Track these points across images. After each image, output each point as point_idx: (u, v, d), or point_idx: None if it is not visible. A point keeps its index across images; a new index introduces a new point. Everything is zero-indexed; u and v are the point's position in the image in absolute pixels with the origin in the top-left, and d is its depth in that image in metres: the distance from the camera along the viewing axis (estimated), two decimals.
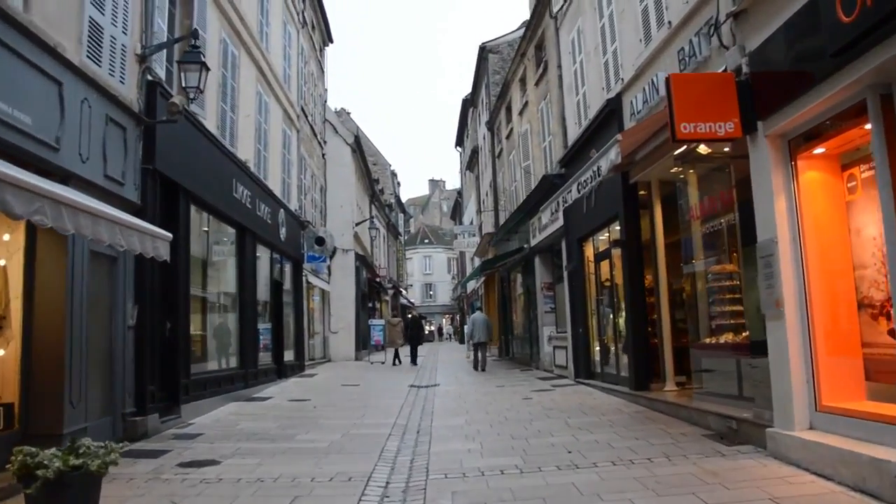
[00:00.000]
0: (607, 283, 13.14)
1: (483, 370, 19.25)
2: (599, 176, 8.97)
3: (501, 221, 24.43)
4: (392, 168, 57.35)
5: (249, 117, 15.22)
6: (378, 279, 37.45)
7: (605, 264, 13.06)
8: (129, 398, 8.72)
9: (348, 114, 42.81)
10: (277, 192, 17.56)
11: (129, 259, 8.79)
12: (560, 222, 15.38)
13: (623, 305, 12.15)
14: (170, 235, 7.73)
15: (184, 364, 10.38)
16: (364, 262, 30.88)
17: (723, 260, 9.24)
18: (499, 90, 25.08)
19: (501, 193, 24.99)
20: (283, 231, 17.58)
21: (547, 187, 15.96)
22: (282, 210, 17.64)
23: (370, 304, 35.22)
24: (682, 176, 9.65)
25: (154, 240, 7.10)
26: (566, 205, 11.27)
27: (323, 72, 27.91)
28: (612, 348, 12.92)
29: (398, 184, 60.26)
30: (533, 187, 18.17)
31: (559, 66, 15.53)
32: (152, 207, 9.35)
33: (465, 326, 23.05)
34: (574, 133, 14.38)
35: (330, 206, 27.60)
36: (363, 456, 7.37)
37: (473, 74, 32.00)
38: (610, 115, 11.77)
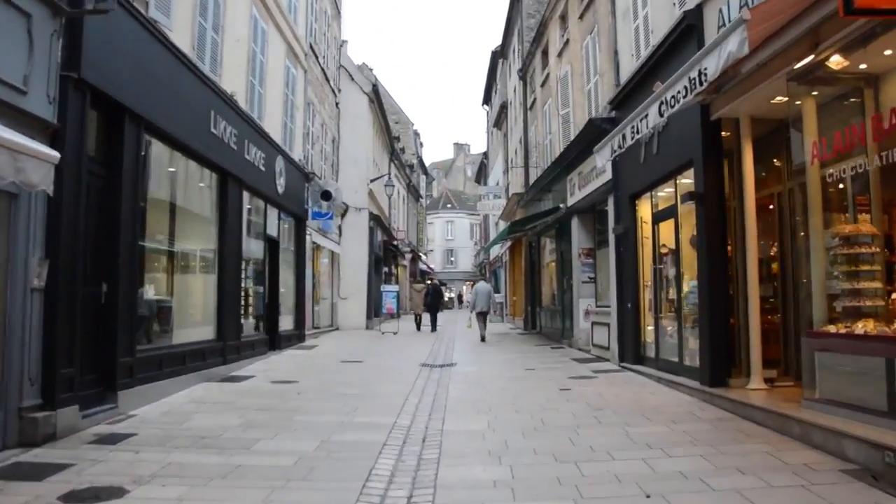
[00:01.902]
0: (665, 250, 10.62)
1: (483, 340, 19.02)
2: (685, 98, 6.44)
3: (532, 180, 21.84)
4: (415, 127, 54.68)
5: (240, 43, 12.76)
6: (395, 242, 35.04)
7: (666, 225, 10.51)
8: (32, 386, 6.38)
9: (370, 69, 40.03)
10: (276, 136, 15.13)
11: (39, 198, 6.42)
12: (607, 176, 12.81)
13: (689, 277, 9.65)
14: (52, 154, 5.28)
15: (126, 338, 8.02)
16: (379, 222, 28.46)
17: (848, 220, 6.73)
18: (533, 35, 22.35)
19: (533, 149, 22.35)
20: (280, 181, 15.16)
21: (593, 135, 13.33)
22: (280, 157, 15.20)
23: (385, 269, 32.86)
24: (796, 103, 7.03)
25: (15, 156, 4.64)
26: (619, 152, 8.75)
27: (339, 12, 25.29)
28: (671, 329, 10.43)
29: (421, 144, 57.57)
30: (573, 137, 15.57)
31: None
32: (77, 129, 6.94)
33: (468, 295, 22.21)
34: (630, 68, 11.75)
35: (343, 160, 25.14)
36: (337, 489, 5.00)
37: (504, 22, 29.20)
38: (685, 34, 9.15)
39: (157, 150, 9.56)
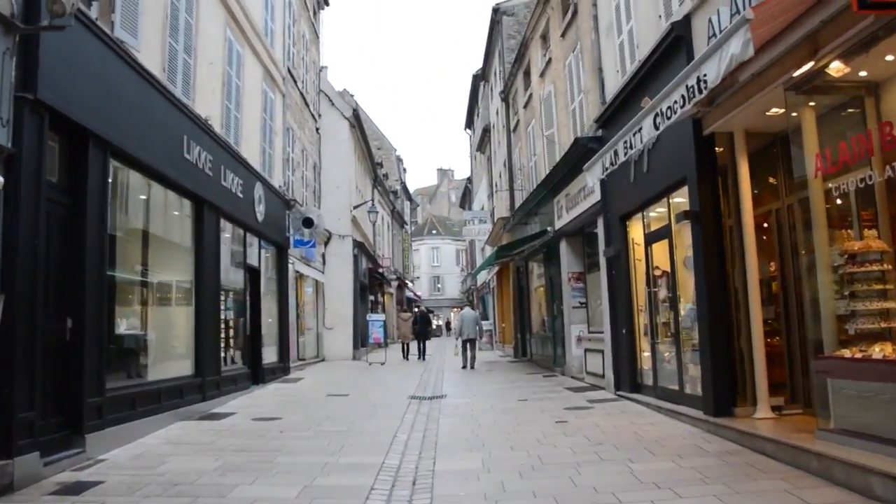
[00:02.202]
0: (659, 272, 10.25)
1: (472, 368, 18.98)
2: (682, 108, 6.10)
3: (518, 204, 21.50)
4: (397, 153, 54.43)
5: (214, 66, 12.38)
6: (381, 270, 34.57)
7: (660, 246, 10.14)
8: None
9: (351, 95, 39.80)
10: (255, 163, 14.71)
11: None
12: (595, 197, 12.46)
13: (685, 299, 9.27)
14: None
15: (95, 376, 7.52)
16: (363, 249, 28.00)
17: (853, 236, 6.40)
18: (514, 55, 22.15)
19: (518, 172, 22.05)
20: (260, 209, 14.71)
21: (578, 155, 13.04)
22: (259, 184, 14.77)
23: (371, 297, 32.35)
24: (794, 115, 6.71)
25: None
26: (610, 169, 8.41)
27: (318, 37, 25.03)
28: (669, 355, 10.04)
29: (404, 170, 57.32)
30: (559, 158, 15.25)
31: (594, 5, 12.57)
32: (35, 154, 6.48)
33: (454, 322, 22.05)
34: (615, 85, 11.46)
35: (325, 186, 24.72)
36: None
37: (485, 44, 29.07)
38: (673, 47, 8.85)
39: (127, 177, 9.14)
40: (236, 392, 12.60)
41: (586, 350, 13.78)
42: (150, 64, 9.25)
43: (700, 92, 5.76)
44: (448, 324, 63.84)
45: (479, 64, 33.46)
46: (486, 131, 31.07)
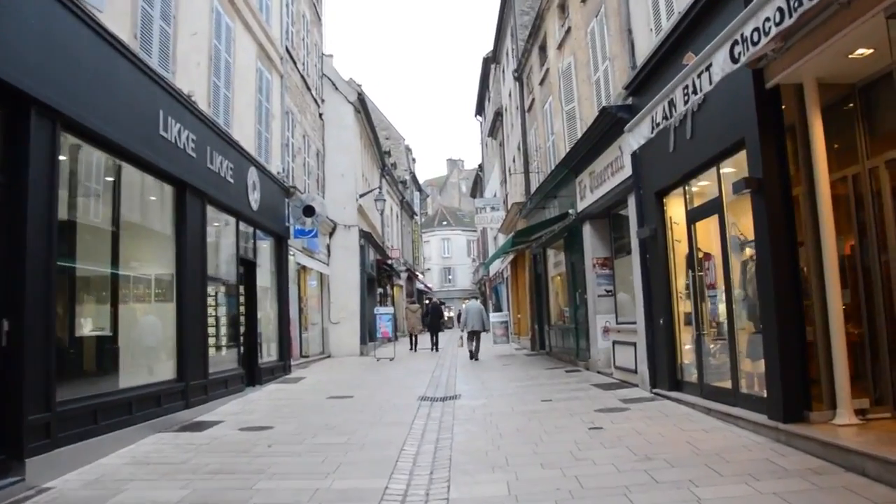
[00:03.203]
0: (704, 253, 8.93)
1: (477, 359, 18.97)
2: (781, 23, 4.78)
3: (534, 188, 20.16)
4: (406, 143, 53.09)
5: (199, 38, 11.14)
6: (389, 261, 33.27)
7: (705, 224, 8.81)
8: None
9: (358, 85, 38.39)
10: (249, 146, 13.46)
11: None
12: (626, 172, 11.13)
13: (740, 283, 7.95)
14: None
15: (40, 388, 6.26)
16: (371, 240, 26.70)
17: None
18: (528, 31, 20.78)
19: (534, 153, 20.69)
20: (254, 196, 13.45)
21: (605, 126, 11.72)
22: (254, 169, 13.51)
23: (380, 290, 31.08)
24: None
25: None
26: (664, 124, 7.10)
27: (319, 19, 23.73)
28: (716, 348, 8.73)
29: (413, 160, 55.97)
30: (580, 134, 13.92)
31: None
32: None
33: (460, 315, 21.25)
34: (648, 45, 10.12)
35: (329, 175, 23.45)
36: None
37: (496, 24, 27.69)
38: None
39: (90, 155, 7.88)
40: (228, 396, 11.38)
41: (615, 342, 12.45)
42: (117, 28, 8.00)
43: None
44: (459, 315, 62.52)
45: (489, 47, 32.12)
46: (498, 115, 29.72)
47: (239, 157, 12.60)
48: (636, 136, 7.71)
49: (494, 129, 32.04)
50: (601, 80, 13.10)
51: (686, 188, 9.27)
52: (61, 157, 6.93)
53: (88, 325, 8.06)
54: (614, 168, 11.70)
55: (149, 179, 9.33)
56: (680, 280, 9.80)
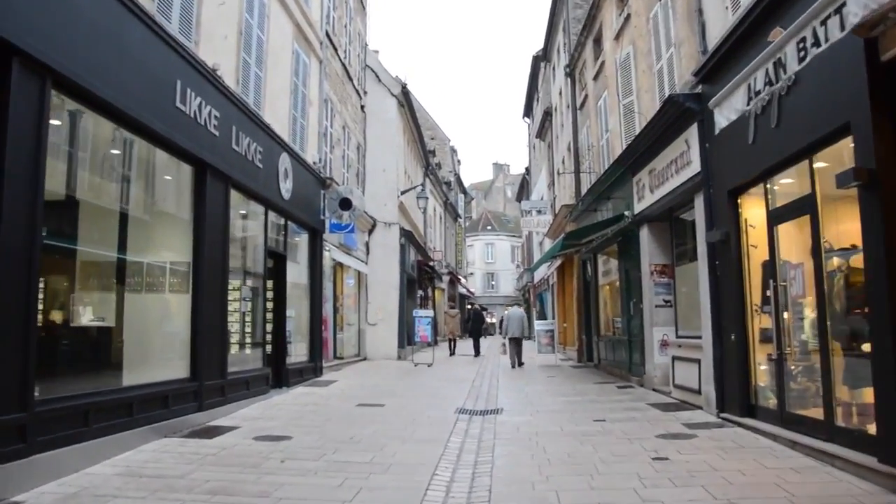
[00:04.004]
0: (789, 260, 7.73)
1: (520, 366, 18.82)
2: None
3: (584, 189, 18.99)
4: (451, 144, 52.16)
5: (227, 8, 10.28)
6: (431, 263, 32.29)
7: (791, 227, 7.62)
8: None
9: (404, 84, 37.60)
10: (282, 131, 12.61)
11: None
12: (693, 168, 9.95)
13: (838, 294, 6.75)
14: None
15: (16, 383, 5.40)
16: (412, 239, 25.76)
17: None
18: (581, 24, 19.65)
19: (585, 153, 19.51)
20: (286, 184, 12.57)
21: (670, 117, 10.56)
22: (286, 155, 12.64)
23: (420, 292, 30.11)
24: None
25: None
26: (759, 98, 5.98)
27: (364, 7, 22.91)
28: (799, 370, 7.53)
29: (458, 162, 55.04)
30: (639, 129, 12.77)
31: None
32: None
33: (502, 322, 21.20)
34: (722, 26, 8.90)
35: (370, 170, 22.60)
36: None
37: (547, 21, 26.57)
38: None
39: (93, 123, 7.03)
40: (250, 398, 10.50)
41: (674, 358, 11.25)
42: None
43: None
44: (502, 322, 61.32)
45: (538, 47, 31.06)
46: (547, 115, 28.58)
47: (269, 142, 11.73)
48: (725, 110, 6.60)
49: (543, 130, 30.89)
50: (664, 70, 11.94)
51: (767, 185, 8.06)
52: (55, 122, 6.09)
53: (88, 314, 7.22)
54: (679, 164, 10.52)
55: (163, 156, 8.47)
56: (755, 291, 8.60)
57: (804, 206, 7.11)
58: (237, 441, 7.67)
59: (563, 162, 23.90)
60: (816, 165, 6.97)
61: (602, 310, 18.08)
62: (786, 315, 7.74)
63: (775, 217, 7.90)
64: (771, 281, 7.79)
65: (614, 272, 16.43)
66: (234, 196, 10.39)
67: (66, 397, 6.25)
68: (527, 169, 43.32)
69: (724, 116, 6.76)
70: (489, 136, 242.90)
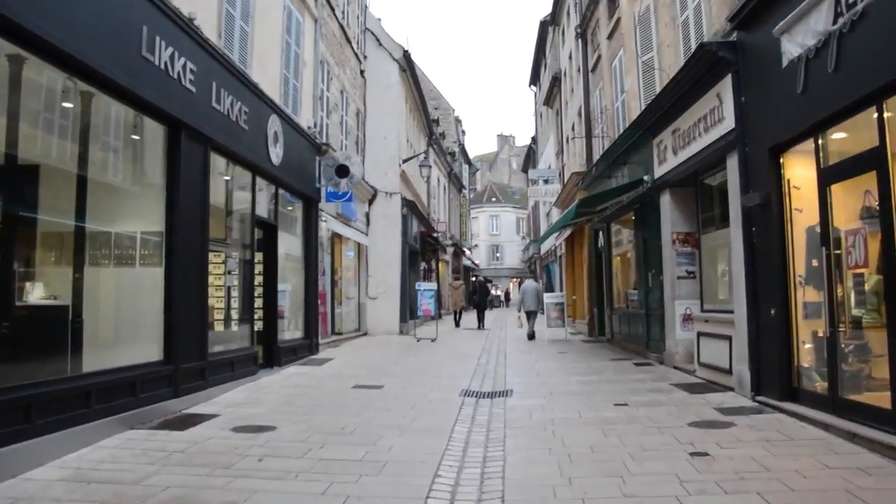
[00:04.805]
0: (846, 226, 6.73)
1: (532, 338, 18.65)
2: None
3: (597, 156, 17.93)
4: (456, 114, 50.88)
5: None
6: (435, 234, 31.28)
7: (848, 187, 6.63)
8: None
9: (405, 49, 36.16)
10: (272, 91, 11.61)
11: None
12: (727, 125, 8.89)
13: None
14: None
15: None
16: (414, 209, 24.71)
17: None
18: None
19: (598, 117, 18.39)
20: (276, 149, 11.56)
21: (701, 69, 9.46)
22: (276, 117, 11.62)
23: (423, 265, 29.11)
24: None
25: None
26: (813, 41, 4.94)
27: None
28: (853, 349, 6.58)
29: (463, 132, 53.77)
30: (659, 88, 11.71)
31: None
32: None
33: (515, 294, 20.12)
34: None
35: (370, 138, 21.51)
36: None
37: None
38: None
39: (37, 72, 6.02)
40: (235, 381, 9.59)
41: (700, 334, 10.29)
42: None
43: None
44: (507, 294, 60.54)
45: (545, 13, 29.77)
46: (556, 81, 27.37)
47: (257, 102, 10.72)
48: (800, 35, 5.53)
49: (551, 97, 29.69)
50: (690, 20, 10.85)
51: (820, 140, 7.03)
52: None
53: (37, 291, 6.26)
54: (709, 122, 9.47)
55: (130, 114, 7.47)
56: (799, 260, 7.61)
57: (870, 161, 6.08)
58: (213, 433, 6.76)
59: (573, 128, 22.78)
60: (887, 115, 5.95)
61: (615, 282, 17.09)
62: (839, 287, 6.76)
63: (829, 176, 6.88)
64: (824, 248, 6.80)
65: (629, 242, 15.43)
66: (216, 160, 9.42)
67: (20, 385, 5.34)
68: (533, 138, 42.12)
69: (796, 43, 5.70)
70: (493, 109, 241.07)
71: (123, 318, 7.65)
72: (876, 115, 5.90)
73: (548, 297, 19.62)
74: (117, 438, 6.36)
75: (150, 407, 7.27)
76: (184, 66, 8.10)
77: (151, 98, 7.40)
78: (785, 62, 6.64)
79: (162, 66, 7.60)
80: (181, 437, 6.57)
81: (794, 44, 5.77)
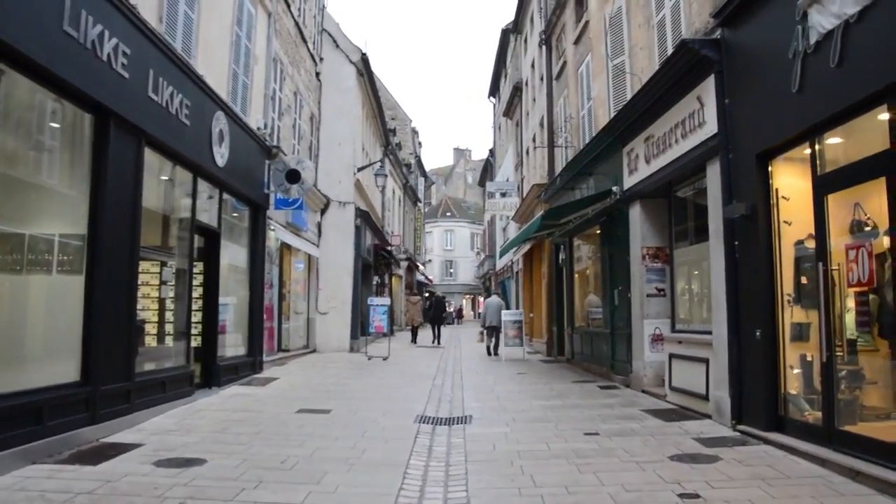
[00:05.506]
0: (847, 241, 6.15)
1: (496, 355, 18.53)
2: None
3: (559, 167, 17.34)
4: (413, 125, 50.18)
5: None
6: (389, 247, 30.40)
7: (847, 196, 6.06)
8: None
9: (363, 52, 35.21)
10: (218, 86, 10.71)
11: None
12: (708, 130, 8.29)
13: None
14: None
15: None
16: (368, 221, 23.82)
17: None
18: None
19: (562, 126, 17.82)
20: (221, 149, 10.66)
21: (680, 70, 8.85)
22: (222, 114, 10.72)
23: (376, 279, 28.17)
24: None
25: None
26: (853, 10, 4.30)
27: None
28: (851, 375, 5.98)
29: (419, 144, 53.06)
30: (630, 94, 11.14)
31: None
32: None
33: (479, 310, 19.68)
34: None
35: (324, 144, 20.59)
36: None
37: None
38: None
39: None
40: (166, 403, 8.62)
41: (672, 356, 9.67)
42: None
43: None
44: (460, 311, 59.96)
45: (506, 22, 29.31)
46: (517, 91, 26.86)
47: (201, 96, 9.82)
48: (837, 2, 4.85)
49: (511, 108, 29.17)
50: (667, 20, 10.31)
51: (816, 144, 6.45)
52: None
53: None
54: (688, 127, 8.89)
55: (49, 98, 6.55)
56: (787, 277, 7.03)
57: (877, 167, 5.49)
58: (131, 468, 5.83)
59: (535, 139, 22.23)
60: (879, 118, 5.38)
61: (578, 299, 16.47)
62: (836, 307, 6.16)
63: (825, 183, 6.30)
64: (821, 265, 6.19)
65: (594, 257, 14.83)
66: (152, 157, 8.49)
67: None
68: (491, 151, 41.61)
69: (830, 14, 5.06)
70: (450, 122, 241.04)
71: (35, 333, 6.68)
72: (887, 116, 5.32)
73: (506, 315, 18.84)
74: (12, 476, 5.40)
75: (62, 436, 6.31)
76: (115, 48, 7.20)
77: (73, 80, 6.49)
78: (812, 39, 5.98)
79: (88, 45, 6.70)
80: (92, 472, 5.63)
81: (828, 15, 5.14)
